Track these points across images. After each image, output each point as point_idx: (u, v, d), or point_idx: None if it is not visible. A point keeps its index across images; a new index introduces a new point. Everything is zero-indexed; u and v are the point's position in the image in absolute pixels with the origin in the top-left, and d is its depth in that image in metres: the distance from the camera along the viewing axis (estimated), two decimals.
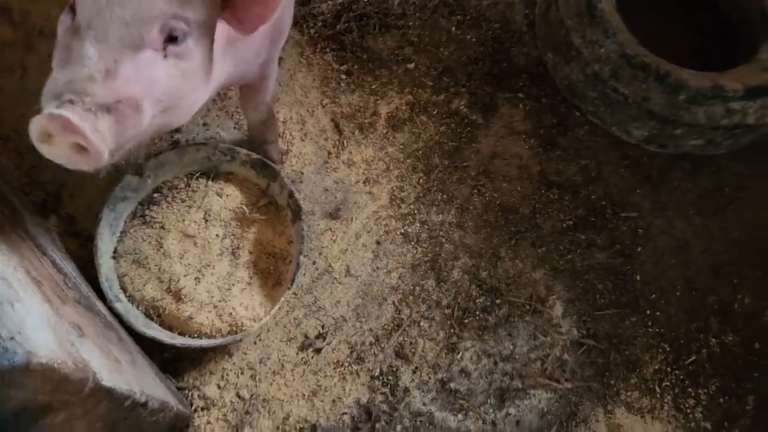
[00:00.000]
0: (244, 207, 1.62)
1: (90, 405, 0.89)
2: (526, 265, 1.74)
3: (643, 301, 1.73)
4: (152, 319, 1.50)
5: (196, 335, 1.49)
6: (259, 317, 1.52)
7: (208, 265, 1.55)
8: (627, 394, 1.63)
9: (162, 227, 1.57)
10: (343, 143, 1.85)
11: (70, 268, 1.36)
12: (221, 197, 1.62)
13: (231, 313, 1.50)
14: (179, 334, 1.50)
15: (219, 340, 1.47)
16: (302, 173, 1.79)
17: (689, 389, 1.65)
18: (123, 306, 1.46)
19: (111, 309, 1.42)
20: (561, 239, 1.78)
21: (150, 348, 1.45)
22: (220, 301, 1.51)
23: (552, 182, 1.85)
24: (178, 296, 1.50)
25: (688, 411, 1.63)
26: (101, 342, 1.05)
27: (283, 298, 1.51)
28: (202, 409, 1.52)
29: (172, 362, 1.54)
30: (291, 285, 1.52)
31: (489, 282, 1.71)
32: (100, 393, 0.87)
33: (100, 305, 1.36)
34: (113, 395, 0.91)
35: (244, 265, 1.57)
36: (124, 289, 1.51)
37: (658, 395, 1.64)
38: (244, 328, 1.50)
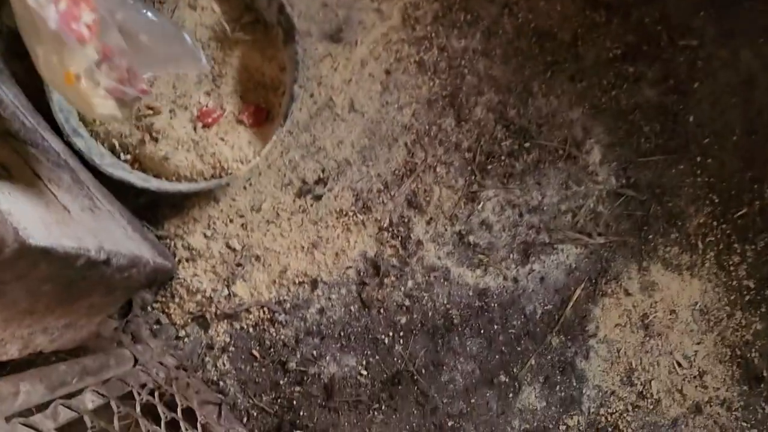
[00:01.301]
0: (225, 24, 1.31)
1: (23, 268, 0.68)
2: (562, 103, 1.48)
3: (695, 145, 1.49)
4: (120, 158, 1.26)
5: (174, 178, 1.27)
6: (248, 158, 1.29)
7: (184, 95, 1.28)
8: (665, 249, 1.46)
9: None
10: None
11: (11, 95, 1.10)
12: (195, 10, 1.31)
13: (214, 153, 1.27)
14: (154, 176, 1.27)
15: (201, 185, 1.25)
16: None
17: (735, 245, 1.47)
18: (84, 141, 1.21)
19: (69, 145, 1.18)
20: (605, 72, 1.49)
21: (122, 192, 1.24)
22: (200, 139, 1.27)
23: (599, 1, 1.53)
24: (150, 132, 1.26)
25: (732, 268, 1.46)
26: (41, 187, 0.82)
27: (275, 137, 1.26)
28: (187, 260, 1.34)
29: (149, 208, 1.33)
30: (284, 121, 1.27)
31: (517, 122, 1.46)
32: (31, 254, 0.66)
33: (52, 140, 1.12)
34: (53, 255, 0.70)
35: (227, 96, 1.30)
36: (84, 123, 1.26)
37: (699, 251, 1.46)
38: (230, 170, 1.27)
